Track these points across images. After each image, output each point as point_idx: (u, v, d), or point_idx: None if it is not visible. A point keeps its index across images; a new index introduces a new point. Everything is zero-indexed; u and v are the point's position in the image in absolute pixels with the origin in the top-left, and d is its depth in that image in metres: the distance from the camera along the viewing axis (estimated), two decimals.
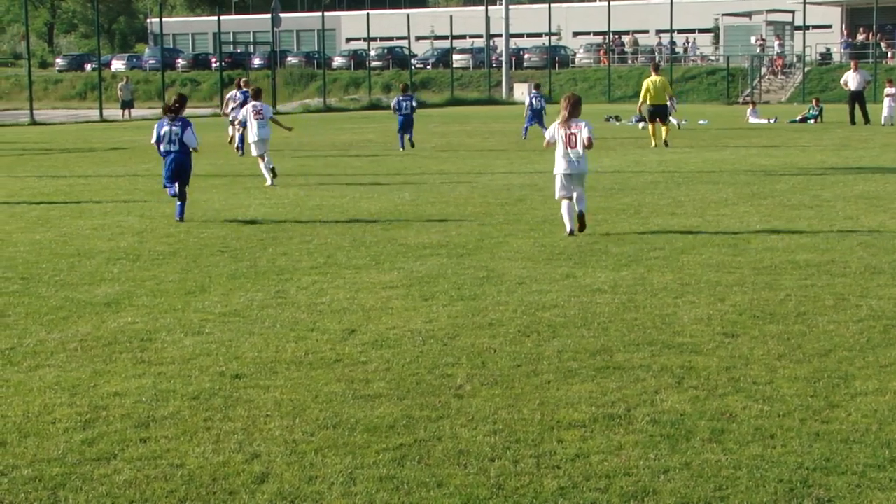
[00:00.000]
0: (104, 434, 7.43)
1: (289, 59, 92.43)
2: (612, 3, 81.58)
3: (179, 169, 17.88)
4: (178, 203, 17.98)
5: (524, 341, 9.82)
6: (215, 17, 76.37)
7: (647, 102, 33.96)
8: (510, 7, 77.91)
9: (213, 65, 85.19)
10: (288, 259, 14.21)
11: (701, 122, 47.66)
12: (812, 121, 46.82)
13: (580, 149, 16.19)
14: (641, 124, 42.70)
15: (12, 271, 13.49)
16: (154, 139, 18.09)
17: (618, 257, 14.03)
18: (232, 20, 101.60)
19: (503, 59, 78.06)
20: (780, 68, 77.07)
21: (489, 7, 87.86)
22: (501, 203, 19.77)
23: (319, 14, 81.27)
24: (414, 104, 33.85)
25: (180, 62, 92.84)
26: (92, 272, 13.41)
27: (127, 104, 59.46)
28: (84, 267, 13.78)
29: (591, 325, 10.39)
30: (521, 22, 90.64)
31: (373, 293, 11.98)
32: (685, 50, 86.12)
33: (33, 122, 54.12)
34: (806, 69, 75.33)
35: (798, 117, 47.72)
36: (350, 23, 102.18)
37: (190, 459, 6.95)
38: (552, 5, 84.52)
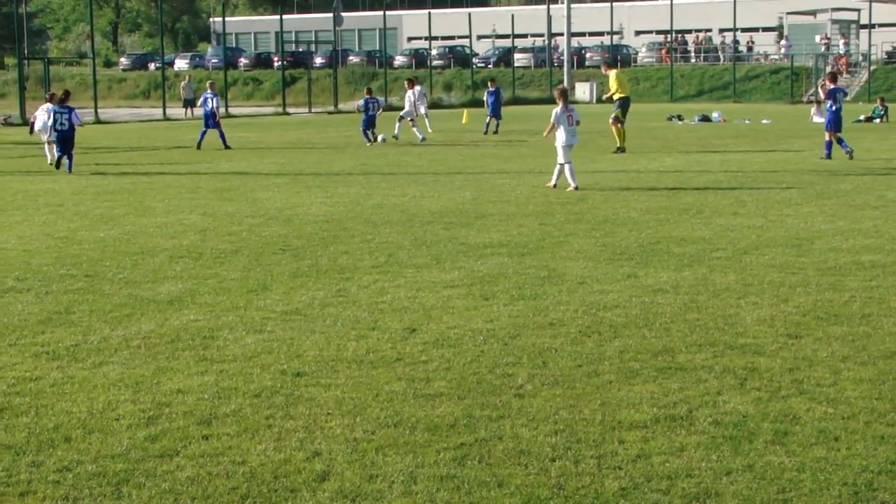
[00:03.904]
0: (167, 431, 7.48)
1: (350, 57, 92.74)
2: (674, 1, 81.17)
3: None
4: (68, 162, 26.85)
5: (585, 341, 9.79)
6: (277, 17, 76.85)
7: (621, 94, 31.62)
8: (572, 6, 77.69)
9: (275, 64, 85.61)
10: (349, 258, 14.24)
11: (764, 121, 47.31)
12: (877, 120, 46.39)
13: (575, 126, 21.77)
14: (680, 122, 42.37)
15: (77, 269, 13.61)
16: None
17: (680, 257, 13.95)
18: (294, 19, 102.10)
19: (564, 57, 77.85)
20: (844, 67, 76.37)
21: (551, 6, 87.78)
22: (562, 202, 19.72)
23: (381, 13, 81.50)
24: (380, 104, 36.54)
25: (242, 61, 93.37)
26: (155, 270, 13.51)
27: (189, 103, 59.81)
28: (147, 265, 13.88)
29: (652, 325, 10.34)
30: (583, 20, 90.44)
31: (434, 292, 11.99)
32: (749, 48, 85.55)
33: (98, 121, 54.66)
34: (871, 68, 74.60)
35: (862, 117, 47.27)
36: (412, 22, 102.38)
37: (251, 457, 6.98)
38: (614, 4, 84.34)
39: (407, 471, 6.72)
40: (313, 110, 66.99)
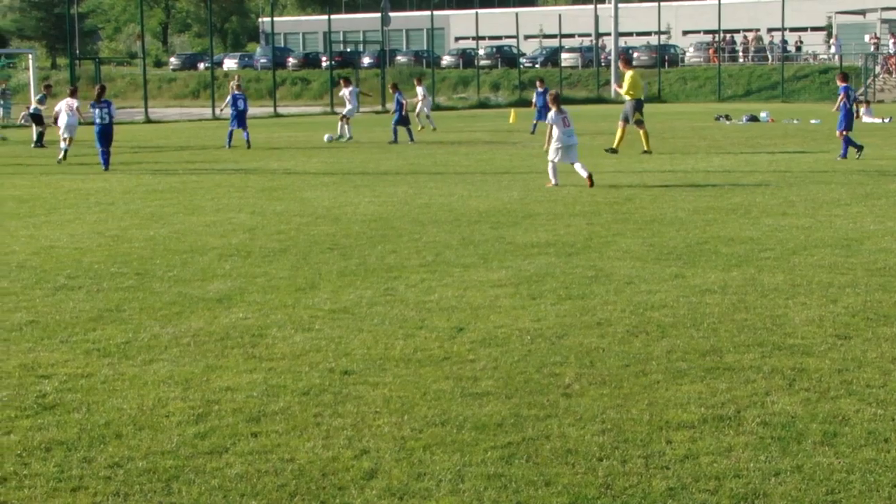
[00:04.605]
0: (216, 428, 7.54)
1: (398, 57, 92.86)
2: (722, 1, 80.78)
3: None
4: (105, 158, 27.51)
5: (633, 341, 9.78)
6: (326, 17, 77.05)
7: (634, 95, 31.43)
8: (619, 5, 77.49)
9: (323, 63, 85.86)
10: (397, 257, 14.28)
11: (813, 121, 46.98)
12: None
13: (572, 127, 22.46)
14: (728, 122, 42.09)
15: (128, 267, 13.72)
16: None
17: (728, 257, 13.90)
18: (342, 19, 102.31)
19: (612, 57, 77.64)
20: (894, 67, 75.75)
21: (598, 6, 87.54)
22: (609, 202, 19.69)
23: (429, 13, 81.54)
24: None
25: (291, 61, 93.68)
26: (204, 268, 13.60)
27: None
28: (196, 263, 13.98)
29: (700, 325, 10.31)
30: (631, 20, 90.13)
31: (481, 291, 12.01)
32: (797, 48, 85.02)
33: (148, 121, 55.01)
34: None
35: None
36: (459, 22, 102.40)
37: (300, 454, 7.02)
38: (661, 3, 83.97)
39: (454, 469, 6.75)
40: (361, 110, 67.07)
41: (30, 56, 44.69)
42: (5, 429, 7.54)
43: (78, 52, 67.61)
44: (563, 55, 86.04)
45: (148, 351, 9.63)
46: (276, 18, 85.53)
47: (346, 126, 38.28)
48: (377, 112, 64.39)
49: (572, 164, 22.31)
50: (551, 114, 22.48)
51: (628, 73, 31.72)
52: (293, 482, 6.58)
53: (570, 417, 7.67)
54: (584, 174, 22.08)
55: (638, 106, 31.09)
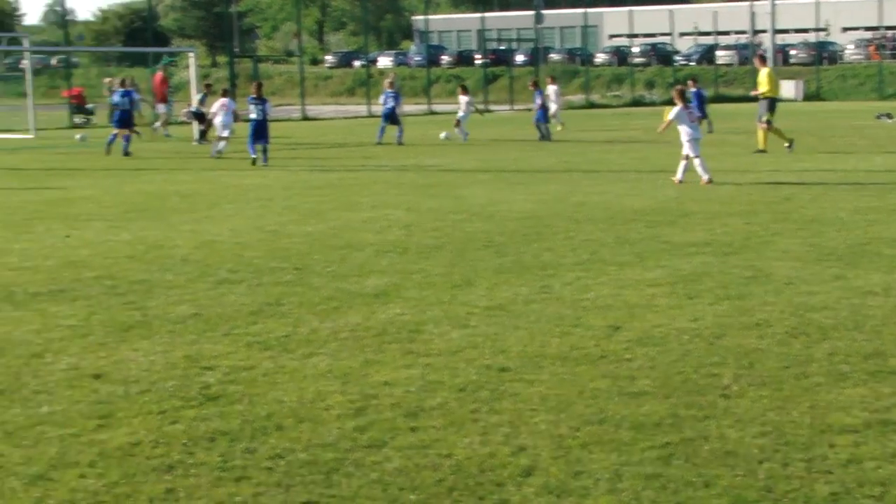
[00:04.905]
0: (375, 422, 7.62)
1: (551, 55, 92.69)
2: None
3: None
4: (263, 155, 28.64)
5: (793, 343, 9.63)
6: (479, 15, 77.26)
7: (770, 94, 30.81)
8: (776, 2, 76.29)
9: (477, 61, 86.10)
10: (552, 255, 14.27)
11: None
12: None
13: (697, 122, 22.99)
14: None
15: (287, 262, 13.94)
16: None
17: (891, 259, 13.61)
18: (495, 17, 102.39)
19: (768, 55, 76.49)
20: None
21: (754, 2, 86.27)
22: (767, 202, 19.40)
23: (583, 11, 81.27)
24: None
25: (444, 59, 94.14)
26: (361, 264, 13.75)
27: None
28: (354, 259, 14.14)
29: (862, 327, 10.11)
30: (788, 17, 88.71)
31: (637, 290, 11.94)
32: None
33: (305, 118, 55.76)
34: None
35: None
36: (613, 19, 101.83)
37: (458, 450, 7.06)
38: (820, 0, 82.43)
39: (612, 468, 6.72)
40: (515, 107, 67.16)
41: (190, 55, 45.49)
42: (171, 418, 7.73)
43: (237, 50, 68.79)
44: (719, 53, 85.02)
45: (307, 345, 9.77)
46: (430, 16, 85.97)
47: (459, 130, 38.21)
48: (529, 110, 64.31)
49: (695, 157, 22.37)
50: (677, 108, 22.55)
51: (763, 71, 31.33)
52: (451, 477, 6.62)
53: (730, 419, 7.58)
54: (705, 176, 22.29)
55: (771, 105, 30.62)
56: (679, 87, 24.74)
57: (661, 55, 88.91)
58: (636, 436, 7.27)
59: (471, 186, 22.65)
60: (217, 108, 31.94)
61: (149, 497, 6.37)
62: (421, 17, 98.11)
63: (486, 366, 9.00)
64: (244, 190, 22.56)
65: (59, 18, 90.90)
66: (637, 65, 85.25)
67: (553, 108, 40.60)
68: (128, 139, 32.71)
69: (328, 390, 8.38)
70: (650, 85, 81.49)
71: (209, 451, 7.08)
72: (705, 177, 22.34)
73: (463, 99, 39.25)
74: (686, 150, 22.41)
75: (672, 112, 22.59)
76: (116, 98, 34.38)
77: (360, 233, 16.34)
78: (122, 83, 35.70)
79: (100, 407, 8.00)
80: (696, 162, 22.39)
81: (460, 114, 38.58)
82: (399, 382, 8.56)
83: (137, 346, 9.74)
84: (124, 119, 33.35)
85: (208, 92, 40.38)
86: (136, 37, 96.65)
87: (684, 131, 22.33)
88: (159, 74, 44.30)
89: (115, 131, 33.18)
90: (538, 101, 37.93)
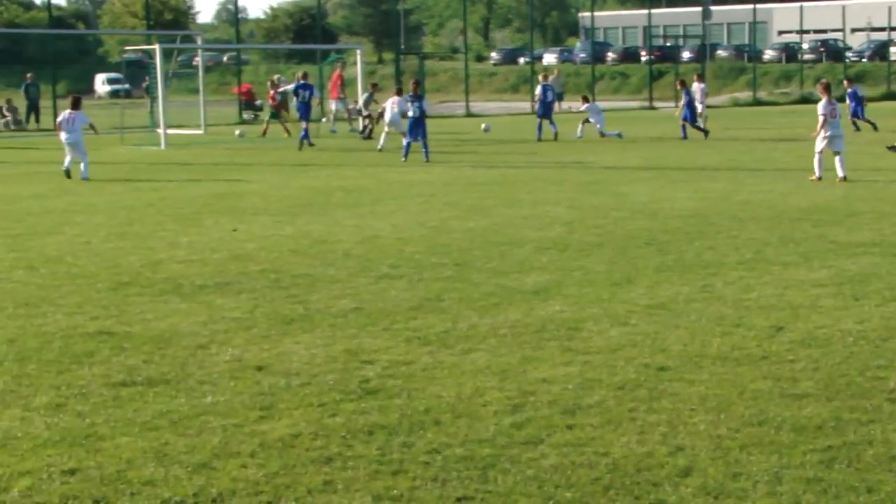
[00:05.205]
0: (532, 419, 7.62)
1: (718, 52, 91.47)
2: None
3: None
4: (424, 150, 28.65)
5: None
6: (646, 11, 76.66)
7: None
8: None
9: (643, 58, 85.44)
10: (714, 253, 14.11)
11: None
12: None
13: (839, 119, 22.70)
14: None
15: (447, 257, 14.02)
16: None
17: None
18: (662, 13, 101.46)
19: None
20: None
21: None
22: None
23: (751, 7, 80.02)
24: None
25: (610, 56, 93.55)
26: (521, 261, 13.76)
27: (557, 97, 60.31)
28: (514, 255, 14.15)
29: None
30: None
31: (801, 291, 11.73)
32: None
33: (469, 114, 55.99)
34: None
35: None
36: (782, 15, 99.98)
37: (614, 448, 7.03)
38: None
39: (772, 471, 6.62)
40: (680, 104, 66.37)
41: (357, 52, 46.06)
42: (331, 411, 7.83)
43: (403, 47, 69.37)
44: (893, 49, 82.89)
45: (466, 340, 9.82)
46: (596, 13, 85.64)
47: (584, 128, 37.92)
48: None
49: (836, 153, 22.52)
50: (822, 103, 22.78)
51: None
52: (607, 476, 6.60)
53: (894, 423, 7.41)
54: (841, 172, 22.32)
55: None
56: (824, 80, 24.81)
57: (831, 51, 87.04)
58: (797, 438, 7.15)
59: (633, 184, 22.50)
60: (388, 105, 32.48)
61: (307, 488, 6.47)
62: (587, 14, 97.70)
63: (645, 364, 8.94)
64: (407, 186, 22.75)
65: (232, 16, 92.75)
66: (806, 61, 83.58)
67: (699, 107, 40.08)
68: (306, 131, 34.03)
69: (486, 386, 8.41)
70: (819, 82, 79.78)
71: (367, 444, 7.16)
72: (841, 174, 22.37)
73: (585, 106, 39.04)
74: (819, 146, 22.66)
75: (819, 107, 22.91)
76: (292, 87, 36.28)
77: (521, 229, 16.35)
78: (304, 76, 37.04)
79: (261, 398, 8.15)
80: (836, 159, 22.51)
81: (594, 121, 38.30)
82: (557, 380, 8.55)
83: (299, 339, 9.90)
84: (302, 110, 34.97)
85: (374, 91, 40.82)
86: (305, 34, 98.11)
87: (822, 126, 22.53)
88: (338, 72, 45.06)
89: (304, 125, 34.28)
90: (685, 99, 37.46)
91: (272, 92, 40.60)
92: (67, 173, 24.80)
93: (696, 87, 40.35)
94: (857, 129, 38.69)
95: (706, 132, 36.61)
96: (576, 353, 9.36)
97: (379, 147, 31.78)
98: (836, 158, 22.42)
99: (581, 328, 10.21)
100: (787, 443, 7.08)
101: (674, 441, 7.15)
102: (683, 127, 36.84)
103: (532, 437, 7.25)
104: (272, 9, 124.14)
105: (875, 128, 38.50)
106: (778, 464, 6.73)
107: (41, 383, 8.61)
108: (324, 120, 42.50)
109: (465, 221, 17.24)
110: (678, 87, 40.10)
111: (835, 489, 6.35)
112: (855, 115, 39.47)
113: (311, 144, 33.85)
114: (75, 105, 25.44)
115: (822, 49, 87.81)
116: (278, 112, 40.18)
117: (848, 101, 39.90)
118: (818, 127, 22.78)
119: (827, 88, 23.06)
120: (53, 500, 6.36)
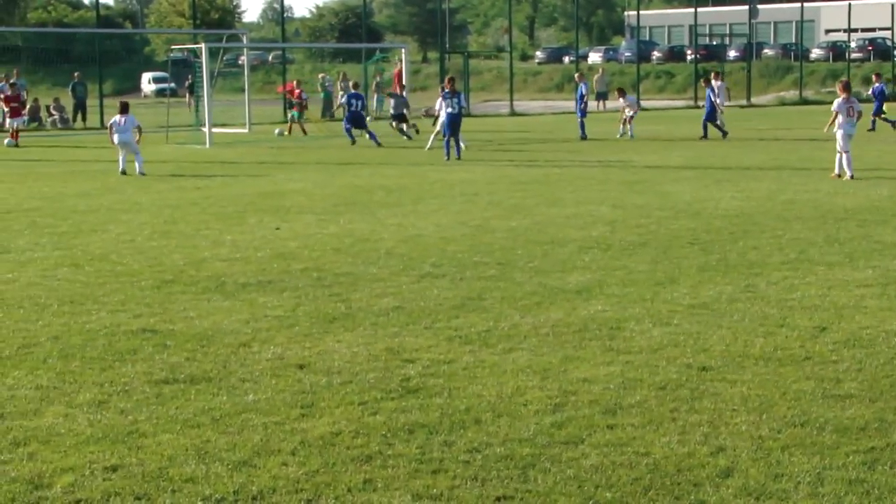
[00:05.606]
0: (572, 418, 7.61)
1: (765, 50, 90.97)
2: None
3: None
4: (456, 148, 29.26)
5: None
6: (692, 10, 76.34)
7: None
8: None
9: (688, 57, 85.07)
10: (758, 253, 14.03)
11: None
12: None
13: (854, 117, 22.89)
14: None
15: (490, 256, 14.01)
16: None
17: None
18: (709, 12, 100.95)
19: None
20: None
21: None
22: None
23: (798, 5, 79.52)
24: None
25: (655, 55, 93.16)
26: (564, 260, 13.73)
27: (602, 96, 60.26)
28: (557, 254, 14.13)
29: None
30: None
31: (845, 291, 11.65)
32: None
33: (513, 113, 55.96)
34: None
35: None
36: (830, 13, 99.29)
37: (655, 448, 7.01)
38: None
39: (814, 472, 6.58)
40: (726, 104, 66.11)
41: (402, 51, 46.13)
42: (372, 409, 7.85)
43: (447, 46, 69.33)
44: None
45: (508, 340, 9.81)
46: (642, 12, 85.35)
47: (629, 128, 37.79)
48: (741, 106, 63.32)
49: (843, 152, 22.86)
50: (839, 101, 23.09)
51: None
52: (647, 476, 6.58)
53: None
54: (837, 170, 22.87)
55: None
56: (844, 79, 25.29)
57: (879, 50, 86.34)
58: (840, 439, 7.11)
59: (676, 183, 22.41)
60: (439, 104, 32.53)
61: (347, 486, 6.48)
62: (633, 13, 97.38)
63: (686, 364, 8.91)
64: (449, 185, 22.75)
65: (277, 15, 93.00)
66: (854, 60, 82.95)
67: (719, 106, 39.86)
68: (372, 135, 34.93)
69: (527, 385, 8.40)
70: (868, 81, 79.29)
71: (407, 442, 7.17)
72: (848, 173, 22.58)
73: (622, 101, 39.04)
74: (840, 145, 22.87)
75: (835, 103, 23.18)
76: (345, 100, 36.88)
77: (564, 228, 16.32)
78: (356, 86, 37.86)
79: (303, 396, 8.18)
80: (844, 157, 22.76)
81: (629, 113, 38.16)
82: (598, 379, 8.53)
83: (341, 338, 9.92)
84: (356, 119, 35.83)
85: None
86: (350, 33, 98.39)
87: (838, 123, 22.81)
88: (398, 69, 45.32)
89: (367, 132, 35.47)
90: (711, 97, 37.20)
91: (298, 91, 41.07)
92: (124, 172, 25.44)
93: (715, 84, 40.14)
94: (873, 128, 38.65)
95: (725, 133, 36.26)
96: (617, 352, 9.34)
97: (428, 147, 31.86)
98: (844, 157, 22.76)
99: (623, 328, 10.19)
100: (829, 444, 7.03)
101: (715, 441, 7.11)
102: (705, 126, 36.53)
103: (572, 437, 7.24)
104: (318, 8, 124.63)
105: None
106: (820, 465, 6.69)
107: (84, 380, 8.67)
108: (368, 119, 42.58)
109: (508, 220, 17.23)
110: (703, 85, 39.90)
111: (877, 491, 6.31)
112: (877, 113, 39.52)
113: (378, 144, 34.41)
114: (124, 110, 26.10)
115: (869, 48, 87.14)
116: (301, 112, 40.83)
117: (874, 97, 40.31)
118: (829, 121, 23.27)
119: (846, 87, 23.42)
120: (95, 496, 6.40)
